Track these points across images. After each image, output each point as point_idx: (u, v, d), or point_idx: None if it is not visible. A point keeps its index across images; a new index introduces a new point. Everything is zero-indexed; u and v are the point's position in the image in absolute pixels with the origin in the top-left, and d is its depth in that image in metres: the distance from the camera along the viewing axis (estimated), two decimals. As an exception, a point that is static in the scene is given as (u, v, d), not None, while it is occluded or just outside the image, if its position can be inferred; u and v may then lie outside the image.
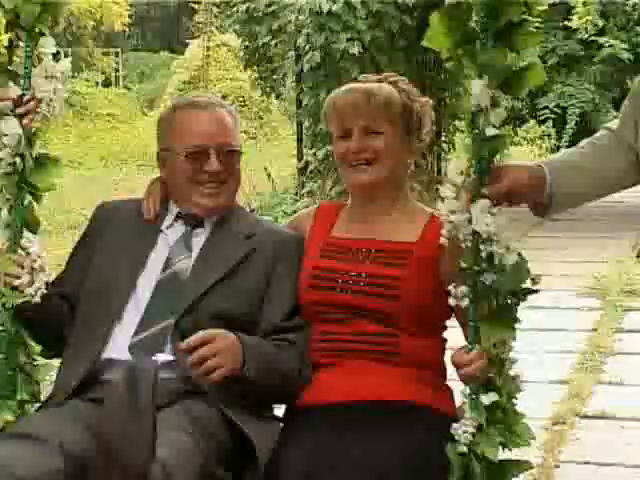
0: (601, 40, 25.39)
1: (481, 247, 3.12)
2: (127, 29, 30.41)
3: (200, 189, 3.68)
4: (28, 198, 3.54)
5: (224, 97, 23.57)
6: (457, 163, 3.19)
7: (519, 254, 3.14)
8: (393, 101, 3.62)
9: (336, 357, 3.52)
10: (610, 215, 15.04)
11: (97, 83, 29.62)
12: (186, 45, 27.86)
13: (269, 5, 17.33)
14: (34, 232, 3.55)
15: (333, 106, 3.67)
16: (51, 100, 3.48)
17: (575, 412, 6.83)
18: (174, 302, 3.53)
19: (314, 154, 16.37)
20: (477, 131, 3.12)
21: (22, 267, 3.47)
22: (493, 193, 3.14)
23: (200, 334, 3.30)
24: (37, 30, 3.49)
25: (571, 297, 10.05)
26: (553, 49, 26.11)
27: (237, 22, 18.75)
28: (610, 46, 25.12)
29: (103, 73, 30.35)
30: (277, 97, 21.63)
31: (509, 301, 3.19)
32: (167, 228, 3.72)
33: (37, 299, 3.46)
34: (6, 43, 3.53)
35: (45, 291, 3.47)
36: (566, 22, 24.36)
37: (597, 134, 3.55)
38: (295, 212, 15.56)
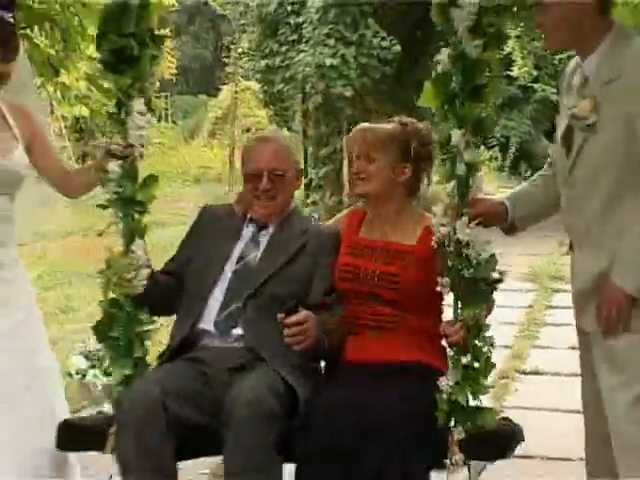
0: (535, 86, 25.50)
1: (462, 250, 3.41)
2: (174, 78, 30.35)
3: (257, 202, 3.86)
4: (136, 214, 3.75)
5: (247, 130, 23.53)
6: (444, 190, 3.44)
7: (492, 254, 3.44)
8: (381, 138, 3.79)
9: (359, 330, 3.75)
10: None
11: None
12: (219, 90, 27.88)
13: (283, 60, 17.36)
14: (141, 237, 3.73)
15: (346, 143, 4.07)
16: (141, 145, 3.75)
17: (516, 369, 6.87)
18: (243, 289, 3.73)
19: (316, 173, 16.58)
20: (455, 167, 3.43)
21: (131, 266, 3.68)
22: (470, 214, 3.41)
23: (302, 315, 3.51)
24: (130, 94, 3.70)
25: (512, 282, 10.06)
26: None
27: (258, 72, 18.77)
28: (542, 90, 25.17)
29: (156, 111, 30.43)
30: (288, 129, 21.59)
31: (482, 287, 3.47)
32: (247, 226, 3.91)
33: (140, 289, 3.68)
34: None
35: (145, 283, 3.69)
36: (509, 72, 24.43)
37: (542, 169, 3.75)
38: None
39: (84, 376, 5.76)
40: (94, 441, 3.57)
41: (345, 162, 3.95)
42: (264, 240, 3.88)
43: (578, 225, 3.42)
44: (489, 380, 3.53)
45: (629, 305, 3.23)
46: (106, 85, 7.26)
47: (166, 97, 31.15)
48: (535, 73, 25.15)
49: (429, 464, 3.46)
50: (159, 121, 30.21)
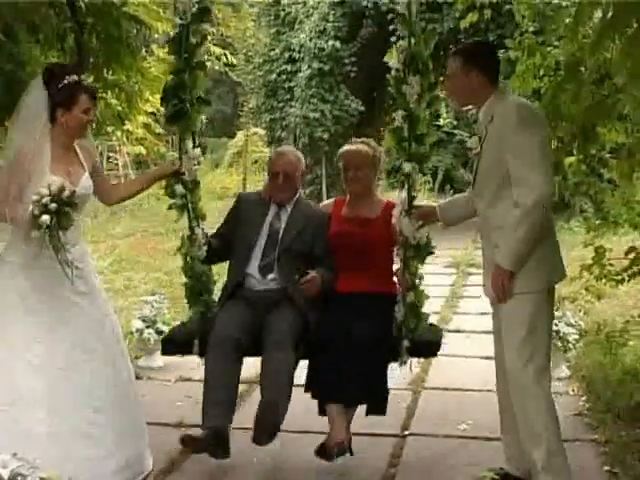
0: (455, 131, 25.46)
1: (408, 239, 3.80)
2: (204, 125, 30.29)
3: (277, 191, 4.20)
4: (195, 208, 4.03)
5: (255, 162, 23.48)
6: (399, 201, 3.81)
7: (427, 237, 3.82)
8: (366, 155, 4.13)
9: (346, 271, 4.08)
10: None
11: (188, 154, 29.54)
12: (235, 134, 27.86)
13: (280, 114, 17.42)
14: (203, 220, 4.06)
15: (342, 158, 4.21)
16: (195, 170, 4.02)
17: (442, 328, 6.86)
18: (276, 246, 4.10)
19: (304, 192, 16.52)
20: (408, 185, 3.77)
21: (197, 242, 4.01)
22: (414, 214, 3.77)
23: (310, 276, 3.96)
24: (185, 137, 4.01)
25: (440, 267, 10.09)
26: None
27: (263, 122, 18.80)
28: (460, 135, 25.16)
29: (191, 149, 30.28)
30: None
31: (422, 254, 3.86)
32: (271, 206, 4.21)
33: (203, 255, 4.03)
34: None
35: (205, 253, 4.03)
36: (437, 122, 24.46)
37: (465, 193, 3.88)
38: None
39: (141, 334, 5.75)
40: (185, 349, 4.01)
41: (345, 173, 4.19)
42: (284, 217, 4.18)
43: (478, 224, 3.52)
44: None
45: (509, 277, 3.29)
46: (157, 131, 7.20)
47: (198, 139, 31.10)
48: (455, 123, 25.20)
49: (387, 360, 3.87)
50: (194, 156, 30.20)
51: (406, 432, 4.40)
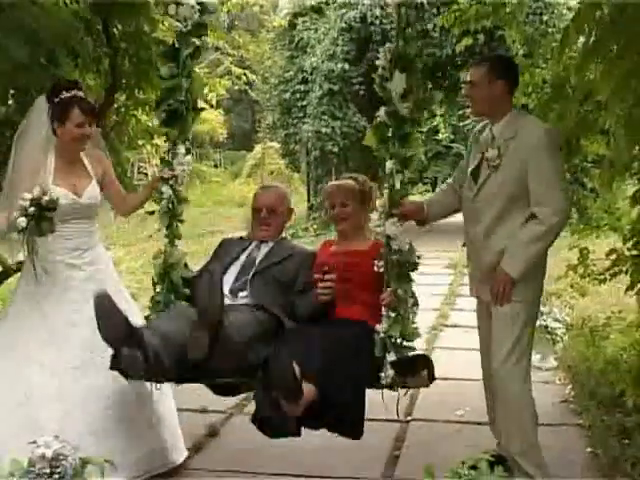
0: (453, 145, 25.49)
1: (390, 243, 3.21)
2: (225, 140, 30.30)
3: (259, 227, 3.75)
4: (177, 223, 3.65)
5: (272, 172, 23.51)
6: (380, 202, 3.29)
7: (410, 243, 3.22)
8: (351, 189, 3.60)
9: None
10: (451, 226, 15.08)
11: (211, 166, 29.60)
12: (253, 147, 27.91)
13: (294, 129, 17.45)
14: (179, 239, 3.67)
15: (326, 194, 3.67)
16: (183, 176, 3.57)
17: (442, 324, 6.88)
18: (251, 270, 3.61)
19: (315, 199, 16.68)
20: (390, 185, 3.24)
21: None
22: (397, 214, 3.23)
23: (333, 276, 3.39)
24: (177, 142, 3.60)
25: (438, 268, 10.09)
26: (430, 149, 26.17)
27: (278, 137, 18.84)
28: (457, 148, 25.17)
29: (213, 161, 30.29)
30: (298, 172, 21.64)
31: (405, 268, 3.24)
32: (252, 242, 3.76)
33: (182, 261, 3.62)
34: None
35: (184, 262, 3.62)
36: (436, 137, 24.45)
37: (447, 184, 3.70)
38: (307, 229, 15.49)
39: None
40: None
41: (330, 210, 3.61)
42: (264, 250, 3.71)
43: (477, 230, 3.39)
44: (420, 331, 3.32)
45: (511, 284, 3.24)
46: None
47: (220, 152, 31.12)
48: (452, 137, 25.18)
49: (367, 382, 3.25)
50: (216, 167, 30.24)
51: (409, 418, 4.40)
